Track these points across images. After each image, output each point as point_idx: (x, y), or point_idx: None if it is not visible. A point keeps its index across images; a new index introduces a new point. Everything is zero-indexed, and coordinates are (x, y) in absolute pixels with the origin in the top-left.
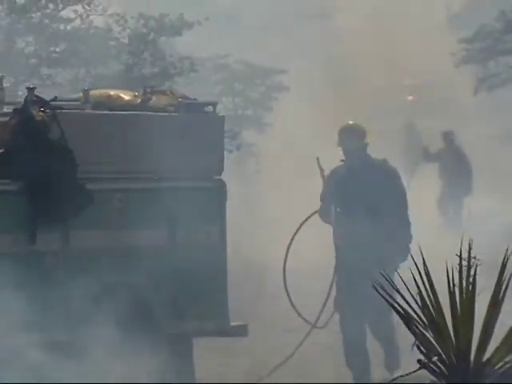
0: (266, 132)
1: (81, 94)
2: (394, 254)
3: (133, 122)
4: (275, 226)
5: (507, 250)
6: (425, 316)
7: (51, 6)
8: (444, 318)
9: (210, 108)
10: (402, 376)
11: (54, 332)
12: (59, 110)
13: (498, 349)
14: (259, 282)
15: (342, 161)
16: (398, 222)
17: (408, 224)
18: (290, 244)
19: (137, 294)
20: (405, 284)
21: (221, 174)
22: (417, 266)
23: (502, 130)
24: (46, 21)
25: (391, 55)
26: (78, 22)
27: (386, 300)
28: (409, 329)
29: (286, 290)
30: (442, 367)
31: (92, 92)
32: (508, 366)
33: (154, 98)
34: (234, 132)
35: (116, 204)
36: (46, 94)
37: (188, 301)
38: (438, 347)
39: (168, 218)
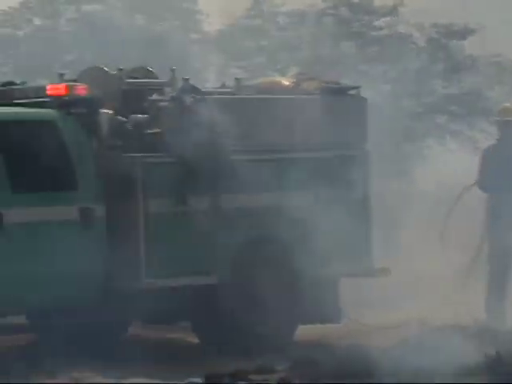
0: None
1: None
2: None
3: (279, 104)
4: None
5: None
6: None
7: (367, 18)
8: None
9: (355, 91)
10: None
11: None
12: (208, 96)
13: None
14: None
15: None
16: None
17: None
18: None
19: (286, 246)
20: None
21: (364, 145)
22: None
23: None
24: (364, 29)
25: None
26: (386, 30)
27: None
28: None
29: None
30: None
31: (261, 79)
32: None
33: (304, 84)
34: None
35: (267, 171)
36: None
37: (336, 248)
38: None
39: (317, 180)
